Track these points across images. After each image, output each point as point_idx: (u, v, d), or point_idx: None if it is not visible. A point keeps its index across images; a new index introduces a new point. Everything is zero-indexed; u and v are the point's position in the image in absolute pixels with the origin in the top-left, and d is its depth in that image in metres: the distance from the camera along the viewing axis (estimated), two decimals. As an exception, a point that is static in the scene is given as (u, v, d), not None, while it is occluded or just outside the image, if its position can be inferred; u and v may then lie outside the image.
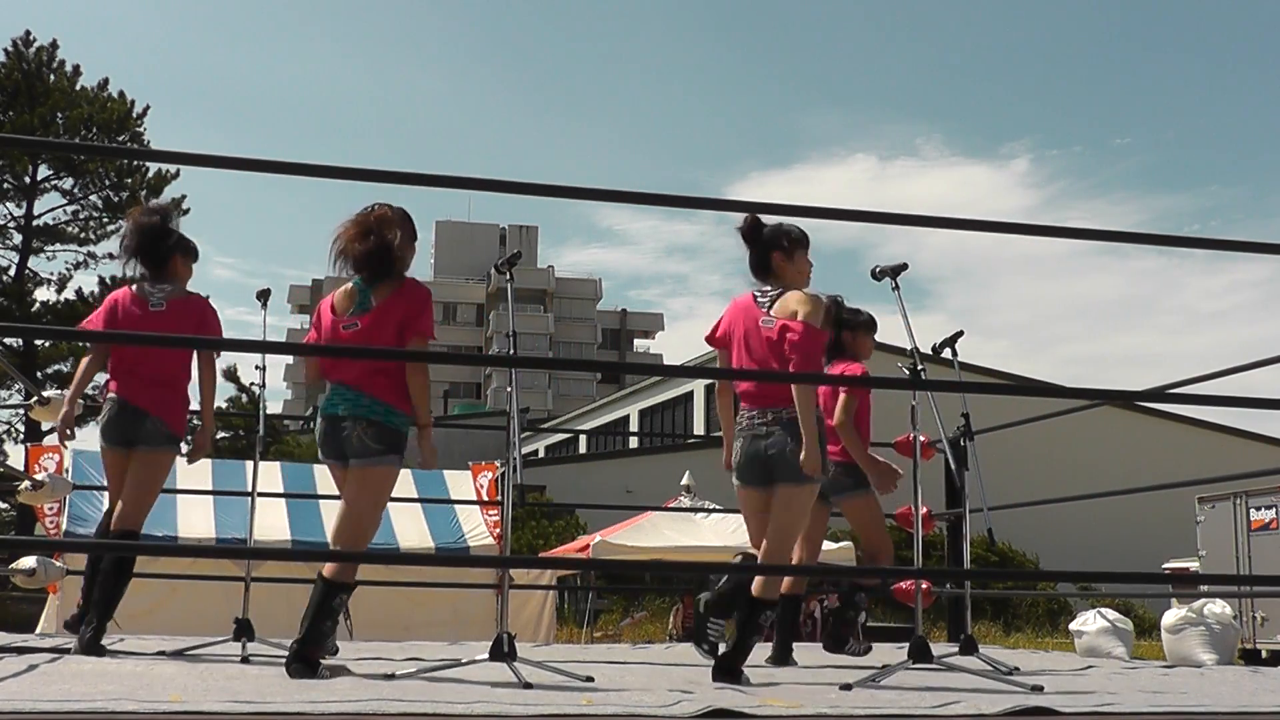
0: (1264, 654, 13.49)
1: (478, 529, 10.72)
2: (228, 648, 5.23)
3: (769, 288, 4.67)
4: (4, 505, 25.82)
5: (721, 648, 4.44)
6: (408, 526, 10.52)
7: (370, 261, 4.37)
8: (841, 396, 5.47)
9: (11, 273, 27.21)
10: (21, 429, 26.24)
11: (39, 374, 25.58)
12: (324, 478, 11.31)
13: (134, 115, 27.73)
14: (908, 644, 4.69)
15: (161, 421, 5.18)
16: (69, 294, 27.53)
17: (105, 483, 5.46)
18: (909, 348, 4.88)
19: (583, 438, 39.55)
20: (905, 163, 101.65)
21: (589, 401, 48.18)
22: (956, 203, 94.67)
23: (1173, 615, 8.01)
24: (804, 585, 5.98)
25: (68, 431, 5.25)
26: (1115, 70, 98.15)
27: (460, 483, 11.22)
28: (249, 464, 6.34)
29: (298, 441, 28.45)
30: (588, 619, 17.74)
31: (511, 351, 4.49)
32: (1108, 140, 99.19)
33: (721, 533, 14.41)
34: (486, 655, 4.21)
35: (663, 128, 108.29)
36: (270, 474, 10.39)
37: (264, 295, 5.69)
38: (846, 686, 4.02)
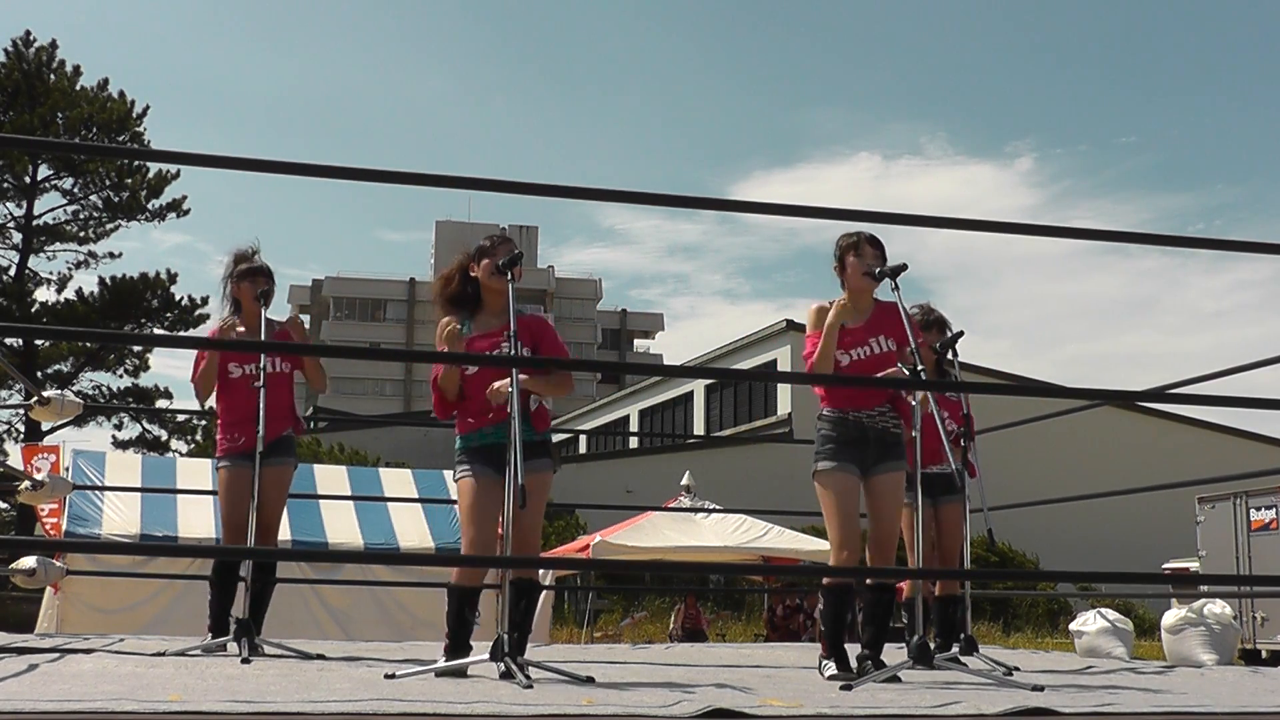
0: (1264, 654, 13.50)
1: (478, 529, 10.74)
2: (228, 648, 5.22)
3: None
4: (4, 505, 25.80)
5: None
6: (408, 526, 10.55)
7: None
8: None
9: (11, 273, 27.20)
10: (21, 429, 26.23)
11: (39, 374, 25.58)
12: (324, 478, 11.40)
13: (134, 115, 27.71)
14: (907, 645, 4.68)
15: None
16: (69, 294, 27.57)
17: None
18: (910, 348, 4.88)
19: (583, 438, 39.58)
20: (909, 161, 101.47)
21: (589, 401, 48.20)
22: (960, 201, 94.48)
23: (1173, 615, 8.00)
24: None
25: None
26: (1120, 69, 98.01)
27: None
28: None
29: (298, 441, 28.39)
30: (588, 619, 17.73)
31: (511, 352, 4.49)
32: (1112, 139, 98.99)
33: (721, 533, 14.40)
34: (487, 655, 4.21)
35: (665, 127, 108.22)
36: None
37: (265, 295, 5.64)
38: (847, 686, 4.02)
